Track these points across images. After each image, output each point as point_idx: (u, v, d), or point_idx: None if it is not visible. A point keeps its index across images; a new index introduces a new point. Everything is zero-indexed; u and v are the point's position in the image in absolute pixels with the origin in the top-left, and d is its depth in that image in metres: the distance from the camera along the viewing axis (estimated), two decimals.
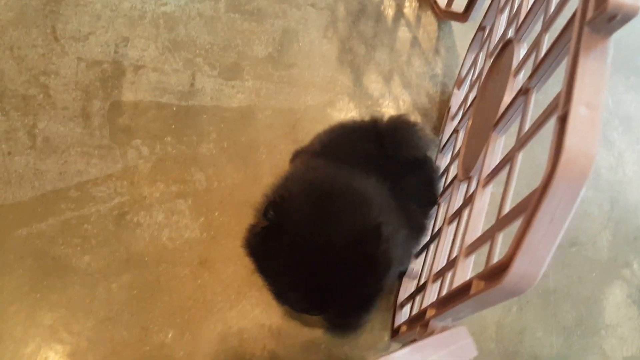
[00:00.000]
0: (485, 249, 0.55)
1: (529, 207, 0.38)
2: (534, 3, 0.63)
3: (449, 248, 0.73)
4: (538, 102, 0.55)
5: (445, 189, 0.86)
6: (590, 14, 0.38)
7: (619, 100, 1.23)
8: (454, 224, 0.74)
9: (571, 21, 0.44)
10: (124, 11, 1.14)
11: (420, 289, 0.83)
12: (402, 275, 0.94)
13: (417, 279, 0.90)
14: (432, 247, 0.86)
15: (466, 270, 0.58)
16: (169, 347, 0.91)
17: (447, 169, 0.91)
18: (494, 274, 0.42)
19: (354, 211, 0.68)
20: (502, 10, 0.82)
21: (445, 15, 1.19)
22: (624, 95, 1.24)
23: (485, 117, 0.72)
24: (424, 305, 0.72)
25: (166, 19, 1.15)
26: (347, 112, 1.12)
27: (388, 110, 1.14)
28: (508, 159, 0.53)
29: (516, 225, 0.48)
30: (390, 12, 1.25)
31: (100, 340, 0.90)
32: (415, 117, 1.14)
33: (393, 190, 0.76)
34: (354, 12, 1.23)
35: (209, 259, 0.98)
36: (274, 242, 0.69)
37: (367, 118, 0.94)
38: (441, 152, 1.02)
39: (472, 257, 0.58)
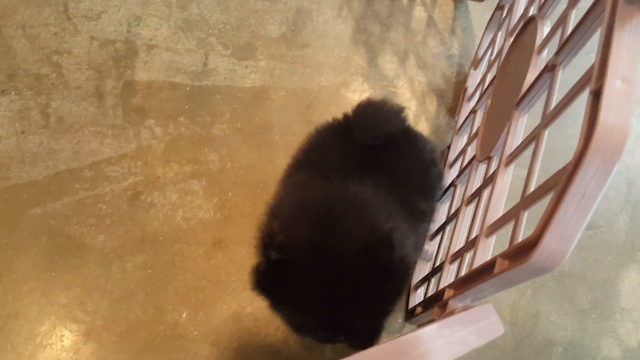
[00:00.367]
0: (505, 230, 0.55)
1: (560, 183, 0.37)
2: None
3: (467, 229, 0.72)
4: (563, 79, 0.53)
5: (462, 170, 0.84)
6: None
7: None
8: (473, 204, 0.73)
9: None
10: None
11: (436, 270, 0.83)
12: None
13: (432, 260, 0.90)
14: (448, 228, 0.86)
15: (487, 250, 0.57)
16: (183, 326, 0.92)
17: (464, 150, 0.90)
18: (520, 252, 0.42)
19: (358, 222, 0.65)
20: None
21: None
22: None
23: (506, 97, 0.71)
24: (441, 286, 0.72)
25: None
26: (361, 92, 1.11)
27: (403, 91, 1.12)
28: (533, 137, 0.52)
29: (541, 204, 0.47)
30: None
31: (115, 319, 0.91)
32: (430, 98, 1.12)
33: (387, 183, 0.72)
34: None
35: (222, 240, 0.98)
36: (283, 275, 0.65)
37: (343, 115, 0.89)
38: (457, 133, 1.00)
39: (494, 237, 0.58)
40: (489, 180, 0.65)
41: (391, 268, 0.62)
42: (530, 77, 0.60)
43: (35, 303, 0.91)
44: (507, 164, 0.59)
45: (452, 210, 0.86)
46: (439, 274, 0.77)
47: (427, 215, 0.81)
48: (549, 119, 0.49)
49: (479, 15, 1.20)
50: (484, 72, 0.94)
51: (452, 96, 1.12)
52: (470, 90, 1.04)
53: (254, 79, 1.09)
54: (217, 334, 0.92)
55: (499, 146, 0.65)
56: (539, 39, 0.63)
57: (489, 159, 0.69)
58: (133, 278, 0.94)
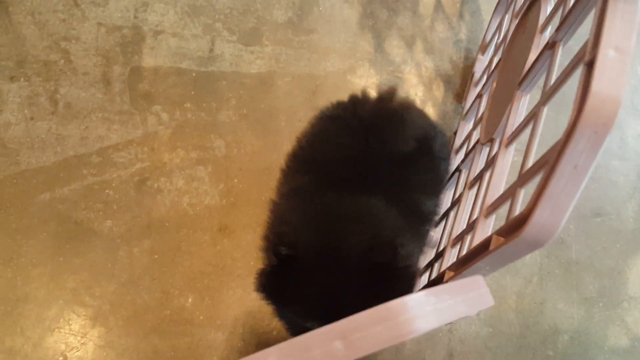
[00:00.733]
0: (505, 210, 0.54)
1: (552, 155, 0.36)
2: None
3: (469, 212, 0.72)
4: (564, 58, 0.53)
5: (467, 155, 0.84)
6: None
7: None
8: (475, 188, 0.72)
9: None
10: None
11: (439, 255, 0.82)
12: None
13: (436, 247, 0.89)
14: (452, 214, 0.85)
15: (486, 230, 0.56)
16: (189, 311, 0.92)
17: (469, 135, 0.89)
18: (515, 227, 0.41)
19: (363, 229, 0.64)
20: None
21: None
22: None
23: (510, 78, 0.70)
24: (442, 269, 0.71)
25: None
26: (367, 78, 1.10)
27: (410, 76, 1.11)
28: (533, 115, 0.51)
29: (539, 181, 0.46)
30: None
31: (122, 304, 0.92)
32: (437, 84, 1.11)
33: (391, 185, 0.71)
34: None
35: (228, 226, 0.98)
36: (288, 278, 0.64)
37: (349, 96, 0.85)
38: (464, 119, 1.00)
39: (493, 218, 0.57)
40: (491, 162, 0.65)
41: (396, 273, 0.62)
42: (532, 56, 0.60)
43: (43, 287, 0.93)
44: (508, 144, 0.59)
45: (457, 196, 0.85)
46: (441, 259, 0.76)
47: (432, 215, 0.80)
48: (547, 95, 0.49)
49: None
50: (491, 56, 0.93)
51: (460, 82, 1.11)
52: (477, 75, 1.03)
53: (260, 65, 1.09)
54: (222, 318, 0.93)
55: (501, 127, 0.64)
56: (542, 18, 0.62)
57: (491, 140, 0.68)
58: (140, 263, 0.95)
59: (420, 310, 0.31)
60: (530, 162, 0.48)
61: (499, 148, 0.59)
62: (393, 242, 0.61)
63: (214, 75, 1.07)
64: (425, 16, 1.16)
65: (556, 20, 0.59)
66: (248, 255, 0.97)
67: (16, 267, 0.93)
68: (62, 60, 1.05)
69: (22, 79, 1.03)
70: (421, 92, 1.11)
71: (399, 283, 0.64)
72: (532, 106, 0.61)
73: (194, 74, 1.07)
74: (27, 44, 1.05)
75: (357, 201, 0.67)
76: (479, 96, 0.90)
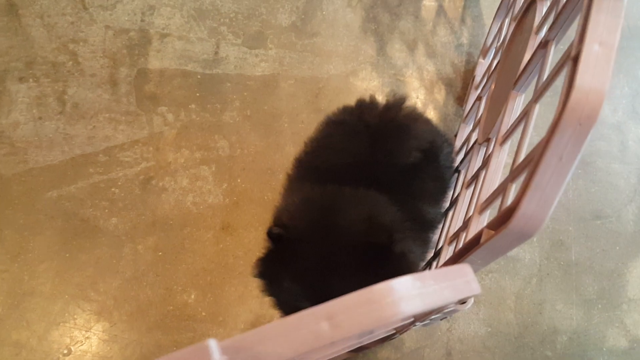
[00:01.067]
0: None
1: (538, 148, 0.37)
2: None
3: (465, 211, 0.73)
4: (556, 58, 0.54)
5: (465, 155, 0.85)
6: None
7: None
8: (472, 187, 0.73)
9: None
10: None
11: (437, 254, 0.83)
12: None
13: (435, 247, 0.90)
14: (450, 213, 0.86)
15: (479, 226, 0.58)
16: (192, 307, 0.94)
17: (468, 137, 0.90)
18: (503, 219, 0.42)
19: (359, 216, 0.65)
20: None
21: None
22: None
23: (507, 80, 0.71)
24: (438, 267, 0.73)
25: None
26: (370, 81, 1.12)
27: (411, 80, 1.13)
28: (525, 112, 0.52)
29: None
30: None
31: (126, 299, 0.94)
32: (439, 87, 1.13)
33: (394, 193, 0.70)
34: None
35: (231, 224, 1.00)
36: (284, 260, 0.65)
37: (356, 101, 0.85)
38: (464, 121, 1.01)
39: (487, 214, 0.58)
40: (487, 160, 0.66)
41: (390, 258, 0.62)
42: (527, 55, 0.61)
43: (49, 282, 0.94)
44: (502, 142, 0.60)
45: (455, 196, 0.86)
46: (438, 258, 0.77)
47: (435, 223, 0.79)
48: (539, 92, 0.50)
49: (490, 4, 1.20)
50: (491, 59, 0.94)
51: (461, 85, 1.13)
52: (478, 79, 1.04)
53: (264, 68, 1.11)
54: (224, 315, 0.94)
55: (496, 126, 0.65)
56: (537, 19, 0.63)
57: (487, 140, 0.70)
58: (144, 260, 0.96)
59: (406, 293, 0.32)
60: (521, 158, 0.49)
61: (494, 146, 0.61)
62: (388, 225, 0.62)
63: (219, 78, 1.09)
64: (427, 20, 1.18)
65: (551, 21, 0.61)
66: (250, 253, 0.98)
67: (23, 262, 0.95)
68: (70, 62, 1.08)
69: (30, 80, 1.06)
70: (423, 95, 1.12)
71: (393, 268, 0.64)
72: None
73: (199, 76, 1.09)
74: (36, 46, 1.08)
75: (356, 191, 0.68)
76: (479, 98, 0.91)
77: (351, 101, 0.84)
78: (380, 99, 0.82)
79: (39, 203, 0.99)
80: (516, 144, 0.59)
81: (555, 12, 0.54)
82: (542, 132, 0.38)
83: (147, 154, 1.03)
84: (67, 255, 0.96)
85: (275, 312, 0.94)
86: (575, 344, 0.96)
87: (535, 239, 1.02)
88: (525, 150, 0.50)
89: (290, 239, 0.63)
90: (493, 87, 0.80)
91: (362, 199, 0.67)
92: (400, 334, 0.77)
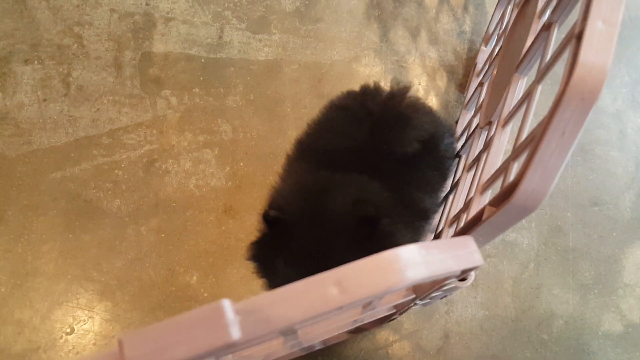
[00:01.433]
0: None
1: (542, 124, 0.38)
2: None
3: (466, 194, 0.74)
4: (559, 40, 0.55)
5: (466, 140, 0.86)
6: None
7: None
8: (473, 170, 0.75)
9: None
10: None
11: (437, 237, 0.84)
12: None
13: (435, 230, 0.91)
14: (450, 197, 0.87)
15: (481, 206, 0.59)
16: (194, 288, 0.95)
17: (470, 122, 0.91)
18: (506, 195, 0.43)
19: (347, 198, 0.66)
20: None
21: None
22: None
23: (509, 65, 0.72)
24: None
25: None
26: (372, 67, 1.13)
27: (414, 66, 1.14)
28: (528, 93, 0.53)
29: None
30: None
31: (129, 280, 0.95)
32: (441, 74, 1.14)
33: (391, 180, 0.72)
34: None
35: (233, 207, 1.01)
36: (277, 242, 0.67)
37: (360, 87, 0.86)
38: (465, 108, 1.02)
39: (488, 193, 0.59)
40: (488, 143, 0.67)
41: (379, 234, 0.63)
42: (530, 40, 0.62)
43: (52, 262, 0.95)
44: (504, 124, 0.61)
45: (456, 180, 0.87)
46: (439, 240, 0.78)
47: (430, 212, 0.79)
48: (542, 73, 0.51)
49: None
50: (493, 46, 0.95)
51: (463, 72, 1.13)
52: (479, 66, 1.05)
53: (267, 52, 1.12)
54: (226, 296, 0.94)
55: (498, 109, 0.66)
56: (540, 4, 0.64)
57: (489, 123, 0.71)
58: (147, 241, 0.97)
59: (412, 260, 0.33)
60: (524, 137, 0.50)
61: (496, 128, 0.62)
62: (376, 203, 0.64)
63: (222, 62, 1.10)
64: (430, 8, 1.19)
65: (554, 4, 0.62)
66: (252, 236, 0.97)
67: (27, 243, 0.96)
68: (75, 45, 1.08)
69: (35, 62, 1.06)
70: (425, 81, 1.13)
71: (382, 248, 0.65)
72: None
73: (202, 60, 1.10)
74: (41, 28, 1.08)
75: (347, 176, 0.69)
76: (480, 84, 0.92)
77: (354, 87, 0.85)
78: (384, 86, 0.83)
79: (42, 184, 0.99)
80: (517, 128, 0.60)
81: None
82: (542, 112, 0.39)
83: (151, 137, 1.04)
84: (71, 235, 0.97)
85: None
86: (571, 328, 0.97)
87: (533, 224, 1.03)
88: (527, 130, 0.51)
89: (285, 222, 0.65)
90: (495, 72, 0.81)
91: (351, 183, 0.68)
92: (400, 315, 0.78)
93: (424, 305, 0.68)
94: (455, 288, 0.55)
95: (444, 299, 0.91)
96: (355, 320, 0.56)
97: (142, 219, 0.99)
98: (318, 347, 0.92)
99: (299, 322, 0.31)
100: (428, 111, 0.84)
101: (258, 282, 0.96)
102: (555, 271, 1.00)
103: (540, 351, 0.95)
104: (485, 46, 1.08)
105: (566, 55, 0.45)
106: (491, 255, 1.01)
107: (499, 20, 0.99)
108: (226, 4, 1.14)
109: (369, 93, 0.83)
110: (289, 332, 0.40)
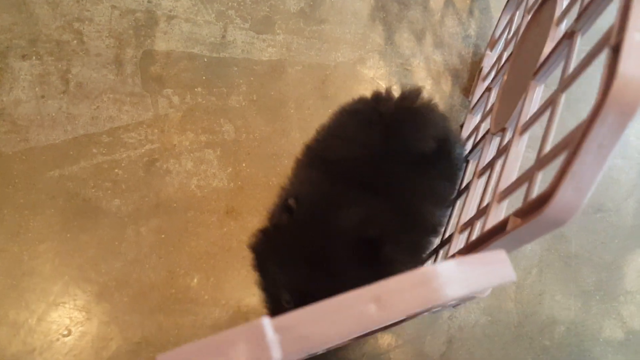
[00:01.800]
0: (516, 196, 0.56)
1: (577, 134, 0.38)
2: None
3: (478, 200, 0.73)
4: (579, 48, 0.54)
5: (475, 145, 0.86)
6: None
7: None
8: (485, 176, 0.74)
9: None
10: None
11: (445, 242, 0.84)
12: None
13: (441, 235, 0.91)
14: (458, 202, 0.87)
15: (499, 214, 0.58)
16: (195, 290, 0.94)
17: (477, 127, 0.91)
18: (535, 206, 0.43)
19: (358, 206, 0.65)
20: None
21: None
22: None
23: (523, 71, 0.72)
24: (449, 254, 0.73)
25: None
26: (377, 69, 1.12)
27: (418, 70, 1.13)
28: (550, 102, 0.53)
29: (555, 164, 0.48)
30: None
31: (128, 281, 0.93)
32: (445, 78, 1.13)
33: (403, 191, 0.71)
34: None
35: (235, 209, 0.99)
36: (280, 239, 0.66)
37: (372, 93, 0.84)
38: (471, 112, 1.02)
39: (506, 202, 0.59)
40: (503, 150, 0.67)
41: (381, 257, 0.62)
42: (548, 47, 0.61)
43: (49, 262, 0.93)
44: (522, 132, 0.60)
45: (464, 185, 0.87)
46: (447, 245, 0.78)
47: (439, 227, 0.79)
48: (567, 82, 0.50)
49: None
50: (500, 51, 0.95)
51: (467, 76, 1.13)
52: (485, 71, 1.04)
53: (271, 53, 1.10)
54: (227, 298, 0.94)
55: (514, 116, 0.66)
56: (558, 11, 0.63)
57: (503, 130, 0.70)
58: (147, 242, 0.96)
59: (451, 277, 0.32)
60: (548, 147, 0.50)
61: (513, 136, 0.61)
62: (383, 224, 0.63)
63: (226, 61, 1.08)
64: (435, 11, 1.18)
65: (572, 13, 0.61)
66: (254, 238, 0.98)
67: (23, 242, 0.94)
68: (75, 41, 1.06)
69: (34, 58, 1.04)
70: (429, 85, 1.12)
71: (379, 274, 0.64)
72: (546, 96, 0.63)
73: (205, 59, 1.08)
74: (40, 24, 1.06)
75: (360, 195, 0.68)
76: (488, 89, 0.92)
77: (358, 89, 0.85)
78: (396, 91, 0.82)
79: (40, 182, 0.97)
80: (529, 144, 0.60)
81: (582, 3, 0.54)
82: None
83: (152, 136, 1.02)
84: (68, 235, 0.95)
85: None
86: (572, 334, 0.97)
87: None
88: (551, 139, 0.51)
89: (297, 218, 0.64)
90: (505, 78, 0.81)
91: (364, 202, 0.67)
92: (408, 320, 0.78)
93: (432, 313, 0.68)
94: (472, 298, 0.54)
95: None
96: (371, 331, 0.55)
97: (142, 220, 0.97)
98: (320, 352, 0.91)
99: (337, 340, 0.30)
100: (441, 113, 0.83)
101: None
102: (557, 277, 1.00)
103: (542, 357, 0.95)
104: (491, 51, 1.08)
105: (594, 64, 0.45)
106: None
107: (507, 25, 0.99)
108: (230, 3, 1.13)
109: (381, 99, 0.81)
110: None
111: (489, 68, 1.03)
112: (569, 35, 0.54)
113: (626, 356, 0.97)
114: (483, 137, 0.81)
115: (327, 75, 1.10)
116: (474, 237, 0.66)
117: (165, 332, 0.91)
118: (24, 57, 1.04)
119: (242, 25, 1.11)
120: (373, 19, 1.16)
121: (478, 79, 1.06)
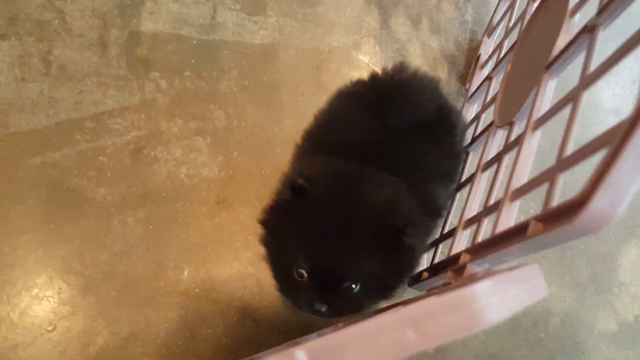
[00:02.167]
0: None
1: (615, 139, 0.36)
2: None
3: (482, 195, 0.71)
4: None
5: (477, 137, 0.83)
6: None
7: None
8: (491, 170, 0.72)
9: None
10: None
11: (445, 236, 0.82)
12: None
13: (441, 229, 0.89)
14: (457, 195, 0.85)
15: (511, 214, 0.56)
16: (185, 283, 0.91)
17: (477, 117, 0.88)
18: (561, 213, 0.41)
19: (381, 189, 0.64)
20: None
21: None
22: None
23: (530, 62, 0.69)
24: (453, 252, 0.71)
25: None
26: (372, 55, 1.09)
27: (414, 56, 1.10)
28: (570, 99, 0.51)
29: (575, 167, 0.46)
30: None
31: (115, 274, 0.89)
32: (442, 65, 1.10)
33: (411, 169, 0.69)
34: None
35: (227, 199, 0.96)
36: (295, 212, 0.63)
37: (369, 74, 0.84)
38: (469, 101, 0.99)
39: (518, 202, 0.57)
40: (511, 145, 0.64)
41: (399, 244, 0.62)
42: (562, 40, 0.59)
43: (32, 254, 0.89)
44: (535, 128, 0.58)
45: (463, 178, 0.85)
46: (451, 240, 0.76)
47: (443, 211, 0.79)
48: (589, 79, 0.48)
49: None
50: (500, 38, 0.92)
51: (464, 63, 1.10)
52: (483, 58, 1.02)
53: (263, 36, 1.06)
54: (218, 292, 0.91)
55: (524, 110, 0.63)
56: (572, 1, 0.61)
57: (510, 124, 0.68)
58: (134, 233, 0.92)
59: (491, 299, 0.30)
60: (569, 148, 0.48)
61: (525, 132, 0.59)
62: (405, 216, 0.61)
63: (216, 44, 1.04)
64: None
65: (588, 5, 0.59)
66: (246, 229, 0.95)
67: (3, 233, 0.89)
68: (57, 21, 1.00)
69: (13, 38, 0.98)
70: (425, 71, 1.10)
71: (398, 259, 0.64)
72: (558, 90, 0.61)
73: (194, 42, 1.03)
74: (19, 1, 1.00)
75: (381, 174, 0.66)
76: (489, 78, 0.89)
77: (353, 75, 0.83)
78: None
79: (20, 170, 0.92)
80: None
81: None
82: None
83: (139, 122, 0.98)
84: (52, 226, 0.91)
85: (272, 291, 0.92)
86: (567, 326, 0.97)
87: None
88: (572, 140, 0.48)
89: (310, 196, 0.61)
90: (509, 68, 0.78)
91: (388, 183, 0.65)
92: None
93: None
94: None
95: None
96: None
97: (128, 210, 0.93)
98: None
99: None
100: (433, 78, 0.83)
101: (252, 278, 0.93)
102: (552, 269, 1.00)
103: (536, 349, 0.95)
104: (489, 37, 1.05)
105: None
106: None
107: (507, 11, 0.96)
108: None
109: (377, 79, 0.80)
110: None
111: (487, 55, 1.01)
112: (590, 30, 0.52)
113: (619, 347, 0.97)
114: (486, 129, 0.79)
115: (321, 60, 1.06)
116: (480, 235, 0.64)
117: (155, 327, 0.88)
118: (2, 37, 0.98)
119: (232, 6, 1.07)
120: (368, 2, 1.12)
121: (475, 66, 1.04)
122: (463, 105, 1.01)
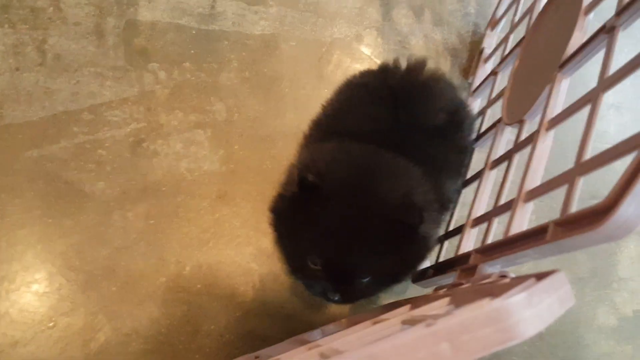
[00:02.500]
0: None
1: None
2: None
3: (490, 193, 0.71)
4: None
5: (484, 133, 0.83)
6: None
7: None
8: (499, 168, 0.72)
9: None
10: None
11: (450, 234, 0.82)
12: None
13: (446, 226, 0.89)
14: (462, 192, 0.85)
15: (525, 216, 0.56)
16: (186, 279, 0.90)
17: (483, 112, 0.88)
18: (585, 219, 0.40)
19: (394, 186, 0.63)
20: None
21: None
22: None
23: (541, 59, 0.69)
24: (462, 250, 0.71)
25: None
26: (374, 47, 1.07)
27: (417, 48, 1.09)
28: (587, 100, 0.50)
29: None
30: None
31: (115, 269, 0.88)
32: (444, 58, 1.09)
33: (421, 160, 0.68)
34: None
35: (228, 193, 0.95)
36: (308, 205, 0.62)
37: (379, 65, 0.83)
38: (472, 95, 0.98)
39: (532, 203, 0.56)
40: (523, 144, 0.64)
41: (414, 238, 0.62)
42: (577, 39, 0.58)
43: (30, 250, 0.88)
44: (549, 128, 0.57)
45: (468, 174, 0.84)
46: (459, 237, 0.75)
47: (452, 203, 0.78)
48: (609, 82, 0.47)
49: None
50: (506, 32, 0.92)
51: (467, 56, 1.09)
52: (487, 52, 1.01)
53: (263, 26, 1.04)
54: (220, 287, 0.90)
55: (535, 109, 0.63)
56: (586, 1, 0.60)
57: (520, 122, 0.67)
58: (134, 228, 0.91)
59: (526, 313, 0.30)
60: (588, 152, 0.47)
61: (539, 131, 0.58)
62: (421, 209, 0.60)
63: (215, 34, 1.02)
64: None
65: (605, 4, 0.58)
66: (248, 224, 0.94)
67: (0, 228, 0.87)
68: (52, 8, 0.98)
69: (6, 26, 0.96)
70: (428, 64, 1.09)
71: (413, 249, 0.64)
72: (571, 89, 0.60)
73: (194, 32, 1.01)
74: None
75: (396, 159, 0.65)
76: (494, 73, 0.88)
77: (355, 68, 0.81)
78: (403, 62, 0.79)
79: (17, 163, 0.90)
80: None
81: None
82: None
83: (138, 114, 0.96)
84: (50, 220, 0.89)
85: (275, 287, 0.92)
86: (567, 321, 0.98)
87: (533, 217, 1.02)
88: (590, 144, 0.48)
89: (321, 190, 0.60)
90: (517, 64, 0.77)
91: (404, 171, 0.64)
92: None
93: None
94: None
95: None
96: None
97: (128, 204, 0.92)
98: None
99: None
100: (449, 82, 0.81)
101: (255, 273, 0.92)
102: (553, 264, 1.00)
103: (537, 344, 0.96)
104: (492, 30, 1.04)
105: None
106: None
107: (510, 4, 0.95)
108: None
109: (388, 70, 0.79)
110: None
111: (490, 49, 1.00)
112: (608, 30, 0.51)
113: (618, 342, 0.98)
114: (493, 125, 0.78)
115: (323, 52, 1.05)
116: (491, 234, 0.64)
117: (157, 323, 0.87)
118: None
119: None
120: None
121: (479, 60, 1.03)
122: (467, 99, 1.01)
